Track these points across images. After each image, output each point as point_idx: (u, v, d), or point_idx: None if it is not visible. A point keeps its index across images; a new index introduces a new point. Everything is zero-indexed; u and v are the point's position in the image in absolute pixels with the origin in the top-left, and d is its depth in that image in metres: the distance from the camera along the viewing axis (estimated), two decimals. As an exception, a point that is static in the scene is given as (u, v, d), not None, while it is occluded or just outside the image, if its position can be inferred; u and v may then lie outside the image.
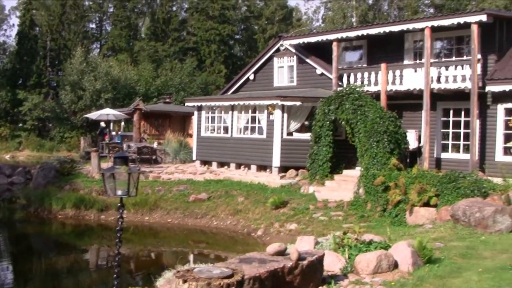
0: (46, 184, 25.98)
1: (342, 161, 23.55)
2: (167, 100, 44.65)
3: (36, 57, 60.85)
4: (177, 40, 67.17)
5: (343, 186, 21.79)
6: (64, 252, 19.83)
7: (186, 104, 31.27)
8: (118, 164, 7.21)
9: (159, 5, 71.23)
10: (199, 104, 29.19)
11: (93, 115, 35.96)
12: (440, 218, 15.53)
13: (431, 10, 60.89)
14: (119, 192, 7.34)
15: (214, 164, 28.08)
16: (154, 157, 31.09)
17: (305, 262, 7.76)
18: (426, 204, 17.16)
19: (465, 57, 22.28)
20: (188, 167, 28.89)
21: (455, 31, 22.33)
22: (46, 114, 55.68)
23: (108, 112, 34.71)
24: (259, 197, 22.33)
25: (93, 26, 74.51)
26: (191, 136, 33.83)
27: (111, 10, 72.73)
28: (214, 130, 28.44)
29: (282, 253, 7.96)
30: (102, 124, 38.22)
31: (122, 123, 43.41)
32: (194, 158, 29.60)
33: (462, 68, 21.35)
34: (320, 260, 8.24)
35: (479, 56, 20.91)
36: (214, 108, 28.32)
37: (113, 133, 40.34)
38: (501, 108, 21.11)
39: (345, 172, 23.19)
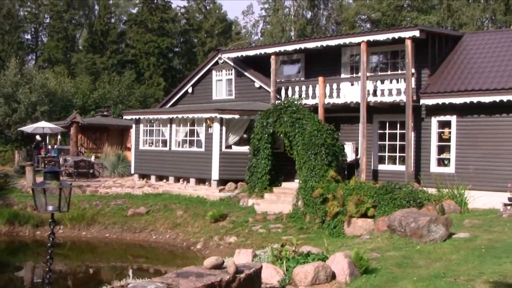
0: (-23, 200, 25.11)
1: (281, 173, 23.69)
2: (105, 113, 43.98)
3: (-32, 68, 58.98)
4: (116, 53, 66.34)
5: (282, 198, 21.89)
6: (-3, 270, 19.20)
7: (124, 117, 30.88)
8: (49, 179, 7.00)
9: (97, 17, 70.29)
10: (137, 117, 28.88)
11: (29, 128, 35.09)
12: (377, 228, 15.73)
13: (368, 25, 62.30)
14: (50, 208, 7.13)
15: (153, 177, 27.80)
16: (91, 171, 30.55)
17: (242, 275, 7.70)
18: (364, 215, 17.41)
19: (400, 71, 22.80)
20: (127, 181, 28.54)
21: (390, 45, 22.85)
22: (-22, 127, 53.93)
23: (44, 125, 33.97)
24: (198, 211, 22.23)
25: (28, 37, 72.94)
26: (129, 149, 33.41)
27: (48, 21, 71.34)
28: (152, 143, 28.17)
29: (219, 266, 7.87)
30: (38, 137, 37.22)
31: (59, 137, 42.46)
32: (132, 171, 29.24)
33: (397, 82, 21.83)
34: (257, 272, 8.19)
35: (413, 71, 21.45)
36: (153, 121, 28.08)
37: (49, 146, 39.43)
38: (434, 120, 21.67)
39: (284, 184, 23.32)
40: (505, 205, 17.16)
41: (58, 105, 50.99)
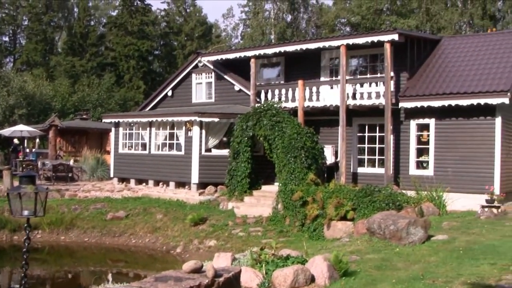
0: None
1: (261, 177, 23.67)
2: (84, 116, 43.66)
3: None
4: (95, 55, 65.93)
5: (262, 201, 21.88)
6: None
7: (103, 120, 30.69)
8: (25, 183, 6.92)
9: (76, 19, 69.83)
10: (116, 120, 28.70)
11: (6, 131, 34.71)
12: (357, 231, 15.78)
13: (348, 29, 62.59)
14: (26, 213, 7.04)
15: (132, 181, 27.67)
16: (70, 175, 30.31)
17: (221, 279, 7.67)
18: (344, 218, 17.45)
19: (379, 75, 22.90)
20: (106, 184, 28.37)
21: (369, 49, 22.96)
22: (-45, 130, 53.29)
23: (22, 129, 33.66)
24: (178, 214, 22.14)
25: (6, 39, 72.18)
26: (108, 153, 33.17)
27: (26, 23, 70.71)
28: (132, 146, 28.03)
29: (198, 270, 7.84)
30: (16, 141, 36.89)
31: (37, 140, 42.11)
32: (111, 175, 29.07)
33: (376, 85, 21.95)
34: (236, 276, 8.16)
35: (392, 74, 21.57)
36: (132, 124, 27.93)
37: (27, 150, 39.08)
38: (413, 123, 21.81)
39: (264, 187, 23.31)
40: (483, 207, 17.31)
41: (36, 108, 50.59)
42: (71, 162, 31.83)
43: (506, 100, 19.42)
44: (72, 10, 74.04)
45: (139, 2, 66.56)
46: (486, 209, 17.14)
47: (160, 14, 75.90)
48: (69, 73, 61.50)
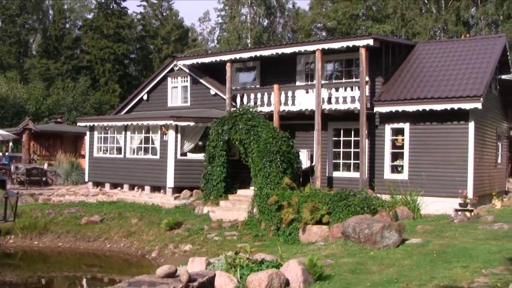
0: None
1: (236, 181, 23.66)
2: (59, 120, 43.34)
3: None
4: (70, 58, 65.42)
5: (238, 206, 21.85)
6: None
7: (78, 124, 30.39)
8: (-4, 187, 6.83)
9: (51, 22, 69.24)
10: (91, 124, 28.47)
11: (-21, 135, 34.31)
12: (332, 235, 15.82)
13: (324, 33, 62.93)
14: (-5, 217, 6.95)
15: (107, 185, 27.46)
16: (44, 179, 30.02)
17: (195, 284, 7.64)
18: (319, 222, 17.48)
19: (354, 79, 23.03)
20: (80, 188, 28.12)
21: (345, 54, 23.09)
22: None
23: (-5, 132, 33.27)
24: (153, 218, 22.03)
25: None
26: (83, 157, 32.92)
27: (-1, 25, 70.05)
28: (107, 150, 27.82)
29: (172, 275, 7.80)
30: (-12, 144, 36.51)
31: (10, 144, 41.67)
32: (86, 179, 28.82)
33: (352, 90, 22.06)
34: (211, 281, 8.14)
35: (367, 79, 21.68)
36: (107, 128, 27.73)
37: (0, 154, 38.58)
38: (388, 128, 21.95)
39: (240, 192, 23.28)
40: (456, 210, 17.51)
41: (9, 112, 50.04)
42: (45, 166, 31.54)
43: (479, 105, 19.65)
44: (47, 12, 73.49)
45: (115, 5, 66.22)
46: (459, 213, 17.33)
47: (136, 18, 75.62)
48: (44, 76, 60.95)
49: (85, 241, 21.73)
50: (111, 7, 66.04)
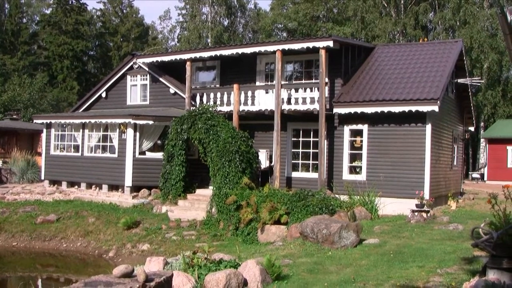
0: None
1: (195, 180, 23.56)
2: (14, 116, 42.46)
3: None
4: (27, 54, 64.23)
5: (196, 205, 21.76)
6: None
7: (34, 121, 29.82)
8: None
9: (7, 16, 67.82)
10: (48, 121, 27.95)
11: None
12: (290, 235, 15.87)
13: (284, 34, 63.13)
14: None
15: (64, 184, 27.00)
16: (-2, 177, 29.40)
17: (152, 284, 7.57)
18: (277, 222, 17.51)
19: (314, 80, 23.13)
20: (36, 187, 27.61)
21: (305, 55, 23.18)
22: None
23: None
24: (111, 218, 21.78)
25: None
26: (40, 154, 32.34)
27: (-47, 19, 68.34)
28: (64, 148, 27.36)
29: (129, 275, 7.71)
30: None
31: (-37, 141, 40.65)
32: (42, 177, 28.28)
33: (311, 91, 22.16)
34: (168, 281, 8.07)
35: (326, 80, 21.81)
36: (65, 125, 27.27)
37: (-47, 151, 37.71)
38: (347, 129, 22.12)
39: (198, 191, 23.19)
40: (413, 211, 17.73)
41: (-37, 108, 48.89)
42: (0, 164, 30.87)
43: (435, 108, 19.95)
44: (3, 6, 71.86)
45: (74, 1, 65.34)
46: (416, 214, 17.58)
47: (96, 14, 74.72)
48: (-1, 72, 59.74)
49: (40, 241, 21.35)
50: (70, 2, 65.10)
